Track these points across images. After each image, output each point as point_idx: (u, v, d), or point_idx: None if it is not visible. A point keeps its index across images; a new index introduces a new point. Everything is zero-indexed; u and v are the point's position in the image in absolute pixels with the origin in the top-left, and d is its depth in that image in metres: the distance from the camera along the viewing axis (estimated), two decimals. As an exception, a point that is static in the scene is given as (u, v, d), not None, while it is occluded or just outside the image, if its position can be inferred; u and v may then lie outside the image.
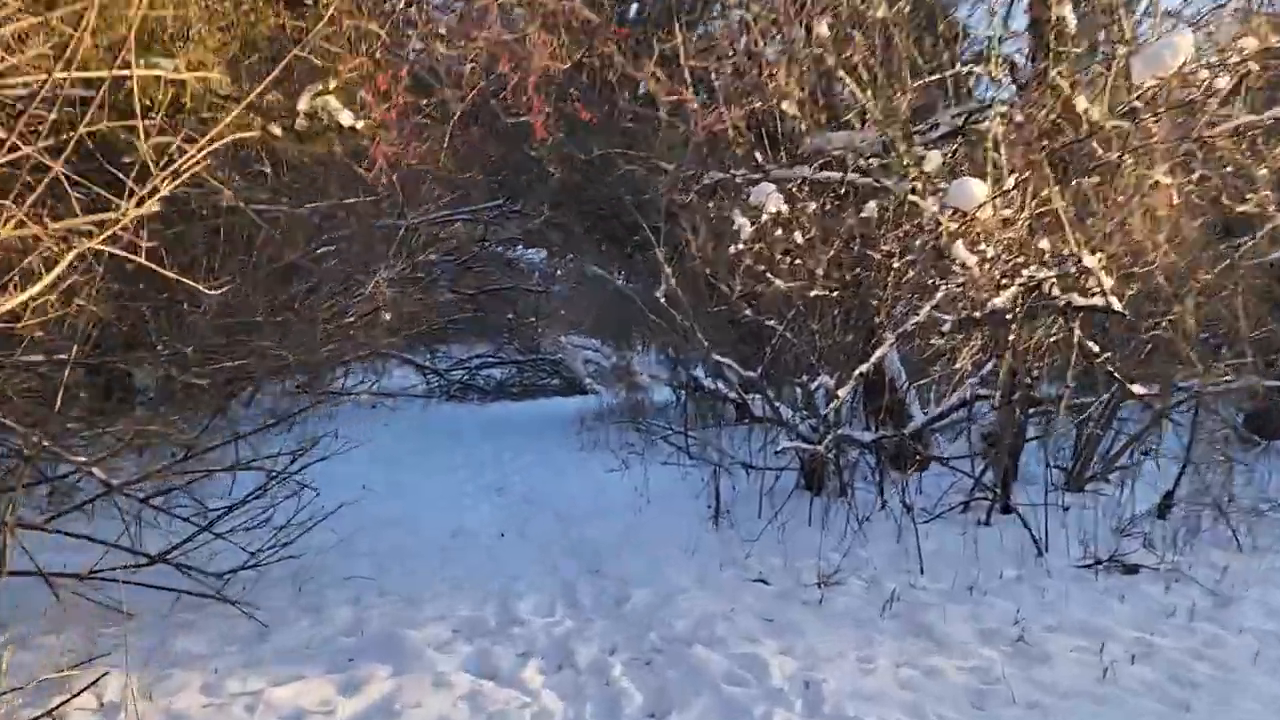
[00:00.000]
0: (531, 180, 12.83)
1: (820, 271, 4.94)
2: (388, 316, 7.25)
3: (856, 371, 4.93)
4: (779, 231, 4.94)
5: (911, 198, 4.37)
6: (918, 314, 4.72)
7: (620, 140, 6.93)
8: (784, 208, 4.81)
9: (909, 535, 6.15)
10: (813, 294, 5.10)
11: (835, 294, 5.19)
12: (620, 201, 9.71)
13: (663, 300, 7.13)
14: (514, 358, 17.65)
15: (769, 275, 5.22)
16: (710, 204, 5.78)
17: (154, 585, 4.47)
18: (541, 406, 15.58)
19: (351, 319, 6.79)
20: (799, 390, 7.28)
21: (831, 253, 4.95)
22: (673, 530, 6.51)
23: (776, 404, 7.09)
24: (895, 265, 4.58)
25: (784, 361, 7.21)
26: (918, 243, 4.35)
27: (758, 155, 5.22)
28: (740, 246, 5.03)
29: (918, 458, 7.44)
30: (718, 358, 6.61)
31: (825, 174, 4.99)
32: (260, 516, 5.16)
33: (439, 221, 12.93)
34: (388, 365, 17.79)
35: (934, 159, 4.23)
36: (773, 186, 4.86)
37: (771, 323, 6.68)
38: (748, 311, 6.27)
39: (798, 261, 5.06)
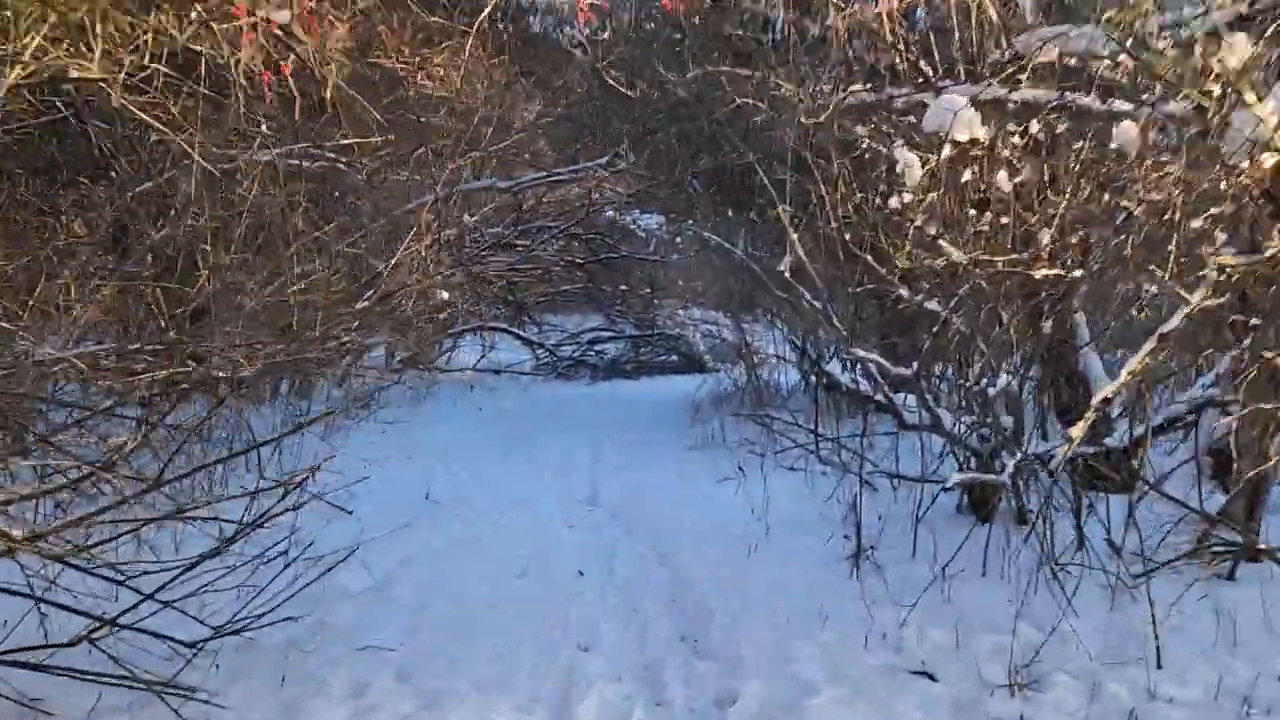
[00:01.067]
0: (640, 132, 11.37)
1: (1047, 236, 3.31)
2: (444, 296, 5.93)
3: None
4: (968, 173, 3.34)
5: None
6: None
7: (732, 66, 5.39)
8: (982, 133, 3.20)
9: (1128, 597, 4.49)
10: (1041, 273, 3.47)
11: (1076, 274, 3.53)
12: (739, 155, 8.16)
13: (788, 275, 5.59)
14: (628, 332, 16.28)
15: (940, 242, 3.61)
16: (860, 142, 4.19)
17: (77, 673, 3.26)
18: (655, 386, 14.17)
19: (368, 302, 5.51)
20: (963, 392, 5.63)
21: (1061, 208, 3.29)
22: (799, 576, 5.01)
23: (936, 409, 5.46)
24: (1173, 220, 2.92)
25: (945, 354, 5.57)
26: (1224, 186, 2.70)
27: (925, 67, 3.59)
28: (904, 199, 3.47)
29: (1124, 479, 5.71)
30: (860, 353, 5.04)
31: (1043, 93, 3.34)
32: (245, 566, 3.90)
33: (541, 183, 11.62)
34: (493, 339, 16.73)
35: (1239, 47, 2.55)
36: (963, 100, 3.26)
37: (934, 306, 5.06)
38: (903, 292, 4.67)
39: (999, 220, 3.44)
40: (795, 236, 5.19)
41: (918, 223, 3.46)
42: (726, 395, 11.10)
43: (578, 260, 15.08)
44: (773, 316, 12.02)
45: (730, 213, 13.20)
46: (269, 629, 3.91)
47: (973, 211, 3.48)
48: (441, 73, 6.94)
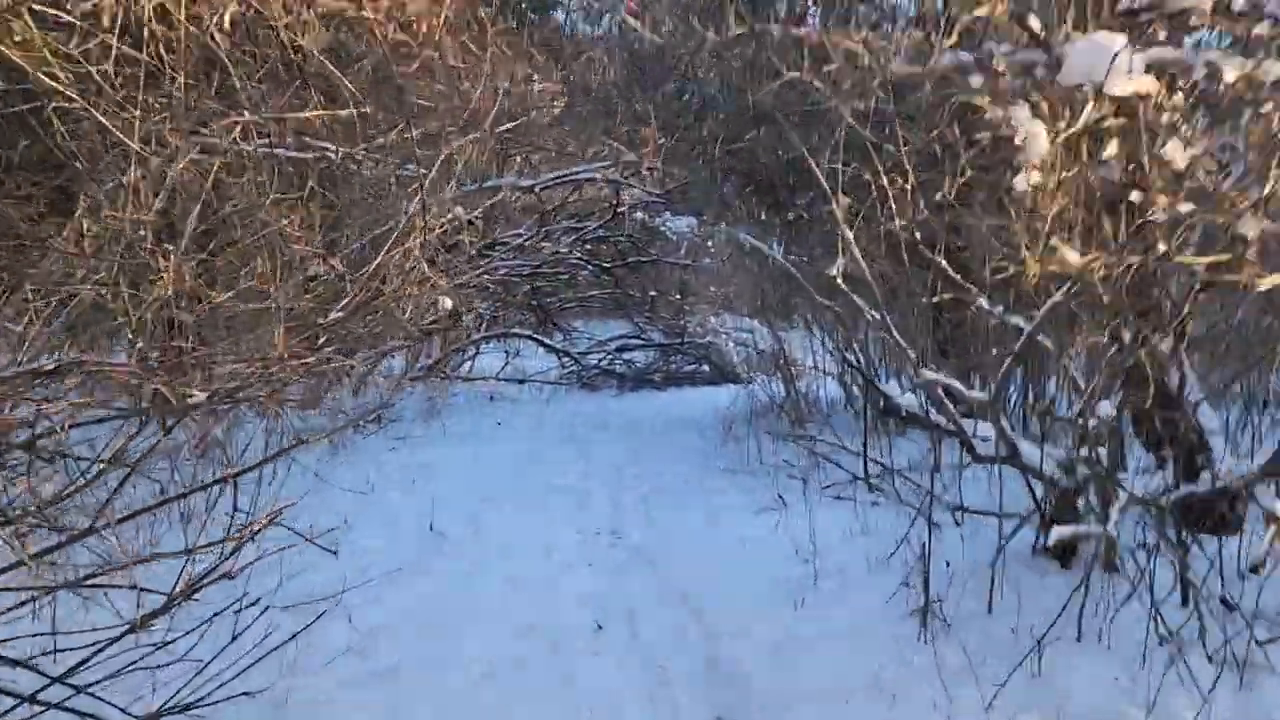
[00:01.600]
0: (671, 120, 10.64)
1: (1254, 229, 2.51)
2: (448, 304, 5.19)
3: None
4: (1113, 145, 2.54)
5: None
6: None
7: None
8: (1150, 84, 2.40)
9: (1263, 680, 3.68)
10: (1264, 285, 2.66)
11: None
12: (783, 143, 7.41)
13: (839, 280, 4.81)
14: (657, 340, 15.52)
15: (1060, 245, 2.78)
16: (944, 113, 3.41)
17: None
18: (684, 398, 13.39)
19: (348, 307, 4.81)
20: (1048, 420, 4.82)
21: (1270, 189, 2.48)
22: (857, 638, 4.24)
23: (1016, 438, 4.66)
24: None
25: (1027, 375, 4.77)
26: None
27: (1033, 21, 2.80)
28: (1029, 181, 2.68)
29: (1233, 521, 4.89)
30: (931, 375, 4.25)
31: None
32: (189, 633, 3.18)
33: (563, 181, 10.88)
34: (518, 346, 16.04)
35: None
36: (1121, 39, 2.47)
37: (1018, 320, 4.27)
38: (983, 303, 3.89)
39: (1176, 206, 2.62)
40: (851, 235, 4.41)
41: (1050, 212, 2.67)
42: (761, 410, 10.31)
43: (604, 264, 14.34)
44: (812, 325, 11.25)
45: (765, 214, 12.46)
46: (222, 707, 3.20)
47: (1134, 197, 2.67)
48: (424, 28, 6.21)
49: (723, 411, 11.10)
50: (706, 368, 15.57)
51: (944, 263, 3.84)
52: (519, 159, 11.91)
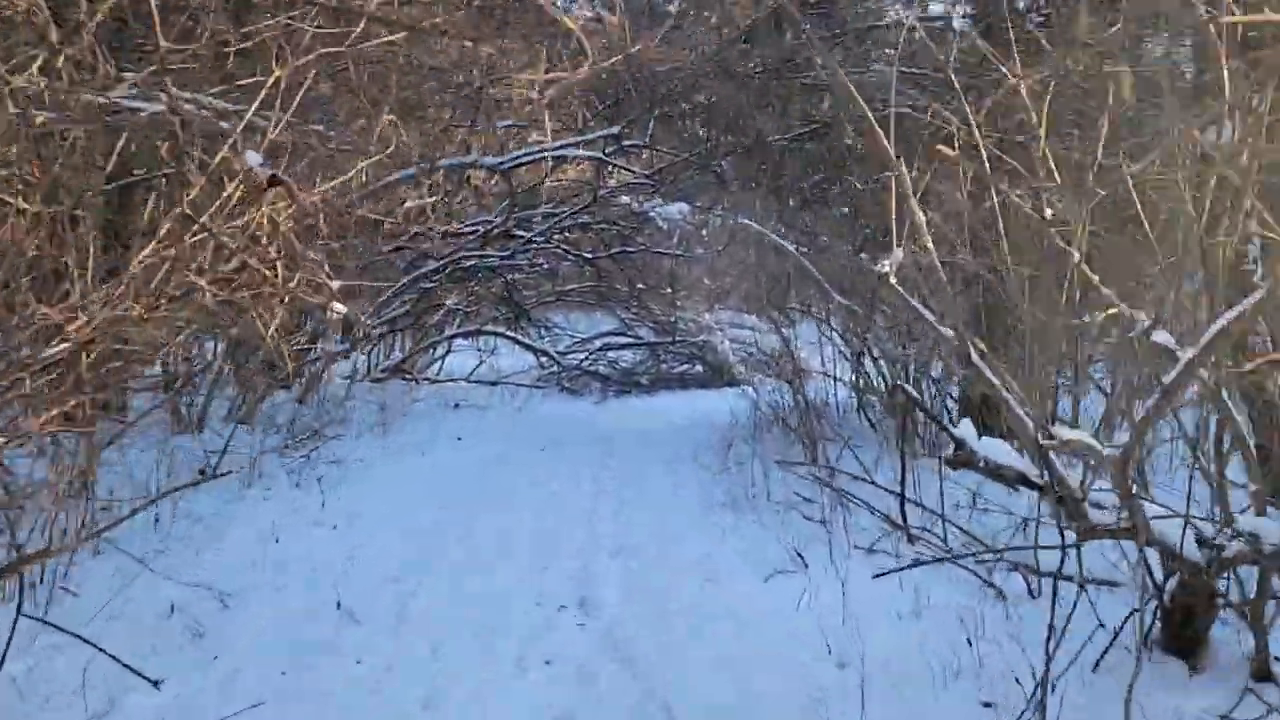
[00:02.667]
0: (665, 97, 9.23)
1: None
2: (340, 309, 3.78)
3: None
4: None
5: None
6: None
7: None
8: None
9: None
10: None
11: None
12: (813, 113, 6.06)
13: (892, 279, 3.40)
14: (646, 338, 14.09)
15: None
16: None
17: None
18: (675, 404, 11.99)
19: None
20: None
21: None
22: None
23: (1142, 502, 3.26)
24: None
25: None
26: None
27: None
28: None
29: None
30: (1073, 434, 2.85)
31: None
32: None
33: (537, 158, 9.42)
34: (493, 344, 14.62)
35: None
36: None
37: (1163, 338, 2.86)
38: (1139, 316, 2.51)
39: None
40: (922, 219, 3.00)
41: None
42: (765, 423, 8.91)
43: (586, 255, 12.87)
44: (825, 325, 9.85)
45: (765, 197, 11.08)
46: None
47: None
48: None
49: (717, 420, 9.70)
50: (699, 368, 14.17)
51: (1080, 260, 2.45)
52: (484, 138, 10.46)
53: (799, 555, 5.04)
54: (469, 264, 10.87)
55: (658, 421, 10.31)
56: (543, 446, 8.60)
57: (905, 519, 5.37)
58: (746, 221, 7.79)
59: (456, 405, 10.86)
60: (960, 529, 5.03)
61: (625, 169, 9.51)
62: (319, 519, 5.80)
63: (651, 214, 15.15)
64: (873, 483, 5.78)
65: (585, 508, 6.38)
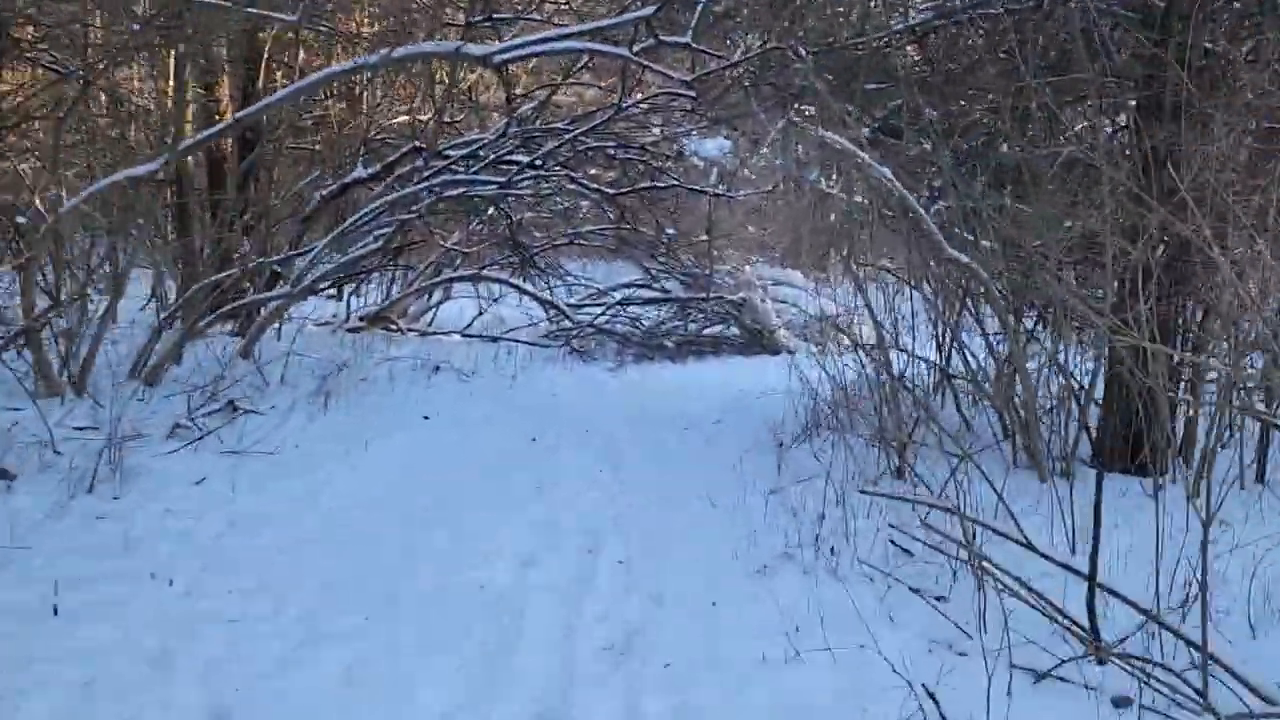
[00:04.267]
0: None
1: None
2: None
3: None
4: None
5: None
6: None
7: None
8: None
9: None
10: None
11: None
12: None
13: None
14: (674, 293, 11.88)
15: None
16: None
17: None
18: (707, 376, 9.82)
19: None
20: None
21: None
22: None
23: None
24: None
25: None
26: None
27: None
28: None
29: None
30: None
31: None
32: None
33: (539, 52, 7.12)
34: (497, 292, 12.47)
35: None
36: None
37: None
38: None
39: None
40: None
41: None
42: (827, 418, 6.73)
43: (606, 190, 10.62)
44: (903, 284, 7.61)
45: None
46: None
47: None
48: None
49: (762, 405, 7.52)
50: (735, 331, 11.98)
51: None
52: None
53: (931, 696, 2.88)
54: (457, 191, 8.67)
55: (686, 400, 8.14)
56: (535, 435, 6.47)
57: (1094, 626, 3.21)
58: (833, 138, 5.50)
59: (437, 368, 8.73)
60: (1222, 665, 2.86)
61: (660, 72, 7.21)
62: (148, 562, 3.71)
63: (688, 149, 12.90)
64: (1028, 546, 3.60)
65: (589, 533, 4.25)
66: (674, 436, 6.71)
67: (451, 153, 9.24)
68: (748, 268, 12.26)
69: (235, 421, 5.98)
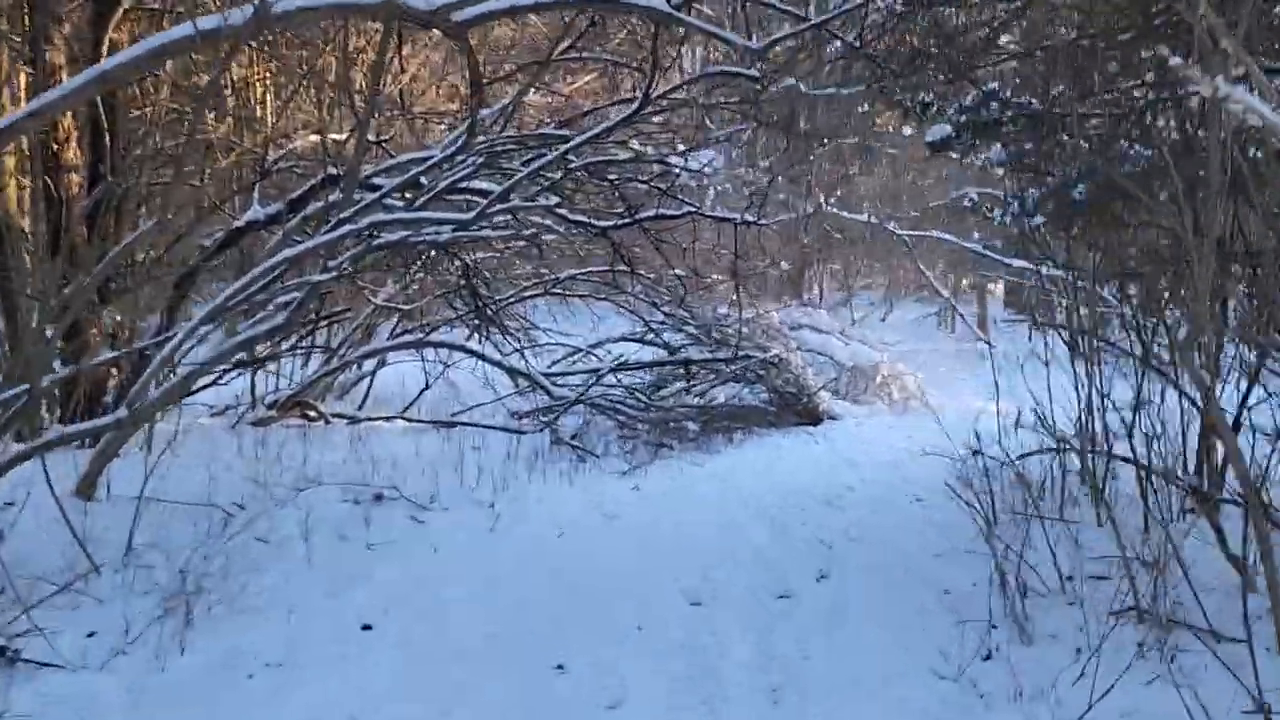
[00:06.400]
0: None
1: None
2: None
3: None
4: None
5: None
6: None
7: None
8: None
9: None
10: None
11: None
12: None
13: None
14: (685, 349, 9.19)
15: None
16: None
17: None
18: (748, 471, 7.16)
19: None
20: None
21: None
22: None
23: None
24: None
25: None
26: None
27: None
28: None
29: None
30: None
31: None
32: None
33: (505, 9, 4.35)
34: (446, 358, 9.61)
35: None
36: None
37: None
38: None
39: None
40: None
41: None
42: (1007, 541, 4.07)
43: (597, 224, 7.88)
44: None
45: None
46: None
47: None
48: None
49: (891, 542, 4.92)
50: (764, 394, 9.30)
51: None
52: None
53: None
54: (394, 237, 5.87)
55: (748, 525, 5.47)
56: (558, 663, 3.66)
57: None
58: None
59: (379, 498, 5.86)
60: None
61: (714, 34, 4.55)
62: None
63: (677, 169, 10.10)
64: None
65: None
66: (780, 626, 3.98)
67: (382, 181, 6.44)
68: (775, 314, 9.61)
69: (7, 685, 3.11)
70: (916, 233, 14.23)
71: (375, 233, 6.06)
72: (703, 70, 6.23)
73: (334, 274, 5.68)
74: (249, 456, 7.02)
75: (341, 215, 5.17)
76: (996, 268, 18.19)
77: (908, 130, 15.38)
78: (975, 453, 5.12)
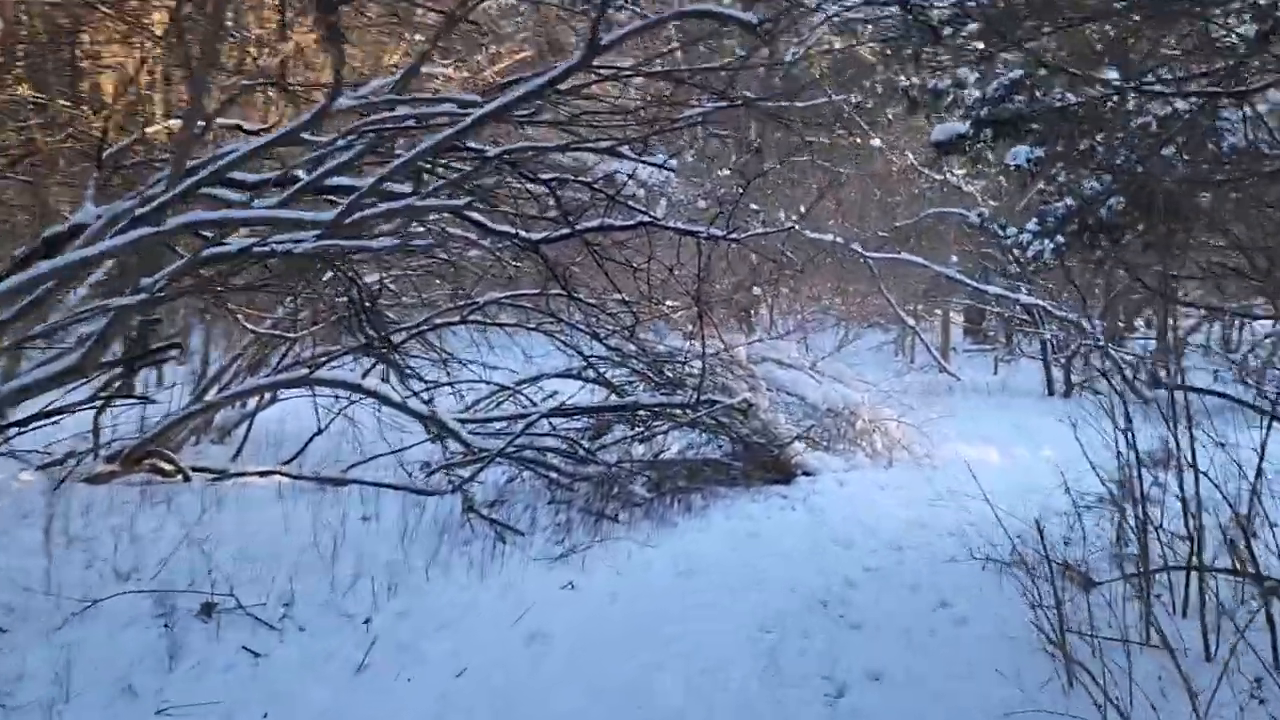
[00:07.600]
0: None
1: None
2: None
3: None
4: None
5: None
6: None
7: None
8: None
9: None
10: None
11: None
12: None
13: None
14: (633, 393, 7.61)
15: None
16: None
17: None
18: (713, 557, 5.59)
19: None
20: None
21: None
22: None
23: None
24: None
25: None
26: None
27: None
28: None
29: None
30: None
31: None
32: None
33: None
34: (346, 398, 7.86)
35: None
36: None
37: None
38: None
39: None
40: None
41: None
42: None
43: (517, 233, 6.25)
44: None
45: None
46: None
47: None
48: None
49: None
50: (725, 443, 7.74)
51: None
52: None
53: None
54: (238, 246, 4.20)
55: (737, 665, 3.90)
56: None
57: None
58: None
59: (208, 610, 4.14)
60: None
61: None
62: None
63: (623, 176, 8.46)
64: None
65: None
66: None
67: (233, 173, 4.75)
68: (741, 349, 8.06)
69: None
70: (885, 255, 12.88)
71: (217, 236, 4.37)
72: (676, 9, 4.67)
73: (144, 296, 3.97)
74: (58, 536, 5.23)
75: (138, 213, 3.48)
76: (955, 293, 16.99)
77: (876, 142, 14.10)
78: (1065, 567, 3.61)
